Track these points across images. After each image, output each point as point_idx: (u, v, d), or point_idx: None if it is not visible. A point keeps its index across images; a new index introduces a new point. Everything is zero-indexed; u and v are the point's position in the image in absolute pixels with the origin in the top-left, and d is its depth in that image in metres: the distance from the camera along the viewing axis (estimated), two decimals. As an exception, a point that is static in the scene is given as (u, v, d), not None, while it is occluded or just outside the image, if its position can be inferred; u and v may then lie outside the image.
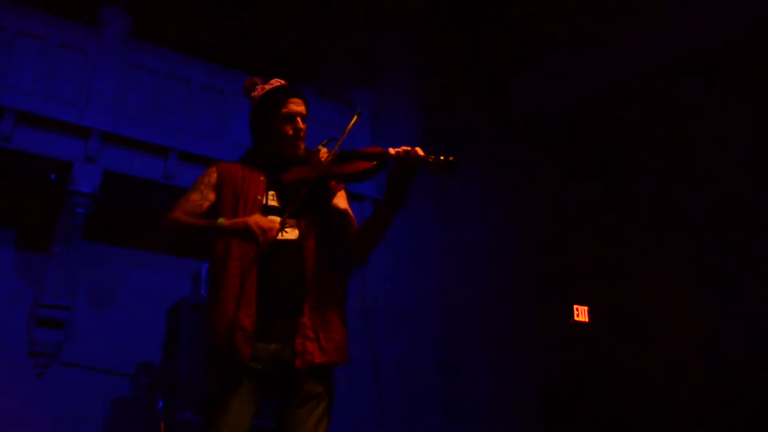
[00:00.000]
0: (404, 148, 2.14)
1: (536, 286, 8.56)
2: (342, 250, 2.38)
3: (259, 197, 2.31)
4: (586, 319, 9.33)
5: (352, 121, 2.35)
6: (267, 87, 2.45)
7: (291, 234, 2.27)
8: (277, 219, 2.17)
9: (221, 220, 2.17)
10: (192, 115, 6.45)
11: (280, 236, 2.21)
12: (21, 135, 5.47)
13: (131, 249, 6.36)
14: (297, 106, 2.38)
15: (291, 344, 2.16)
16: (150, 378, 4.88)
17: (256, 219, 2.12)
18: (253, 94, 2.47)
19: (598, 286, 9.26)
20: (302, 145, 2.40)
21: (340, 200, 2.46)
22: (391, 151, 2.16)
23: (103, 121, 5.83)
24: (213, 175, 2.37)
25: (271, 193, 2.34)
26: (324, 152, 2.33)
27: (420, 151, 2.14)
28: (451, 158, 2.10)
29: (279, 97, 2.39)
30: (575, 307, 9.30)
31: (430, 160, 2.10)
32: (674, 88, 8.26)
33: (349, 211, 2.44)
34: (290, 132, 2.36)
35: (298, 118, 2.38)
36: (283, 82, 2.48)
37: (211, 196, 2.33)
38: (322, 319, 2.22)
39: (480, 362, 7.86)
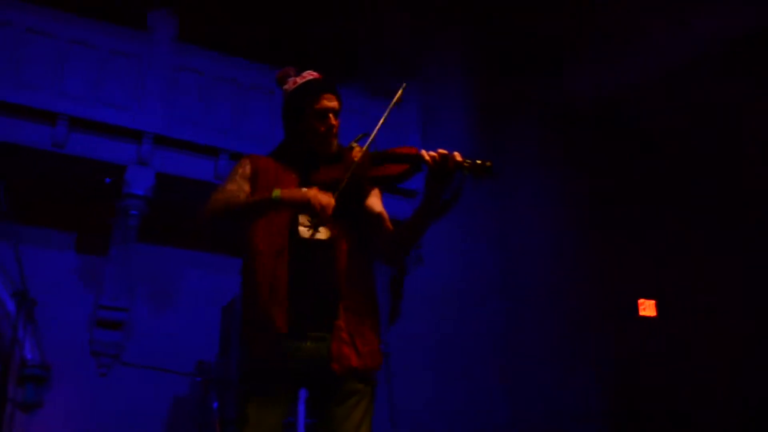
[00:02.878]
0: (440, 151, 2.04)
1: (599, 281, 8.27)
2: (374, 252, 2.31)
3: None
4: (654, 314, 8.97)
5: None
6: (299, 80, 2.35)
7: (323, 234, 2.19)
8: (332, 195, 2.08)
9: (277, 192, 2.07)
10: (241, 114, 6.49)
11: (312, 236, 2.17)
12: (75, 140, 5.63)
13: (185, 249, 6.44)
14: (329, 101, 2.28)
15: (327, 343, 2.11)
16: (204, 376, 4.89)
17: (316, 193, 2.04)
18: (285, 86, 2.38)
19: (666, 279, 8.89)
20: (335, 142, 2.31)
21: (374, 200, 2.35)
22: (425, 154, 2.07)
23: (154, 124, 5.94)
24: (247, 167, 2.30)
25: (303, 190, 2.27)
26: (357, 151, 2.23)
27: (457, 156, 2.03)
28: (488, 163, 2.02)
29: (311, 92, 2.29)
30: (641, 301, 8.95)
31: (466, 165, 2.02)
32: (730, 74, 7.87)
33: (383, 212, 2.33)
34: (322, 129, 2.27)
35: (331, 115, 2.28)
36: (316, 74, 2.37)
37: (247, 188, 2.26)
38: (357, 323, 2.16)
39: (541, 360, 7.65)
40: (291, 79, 2.37)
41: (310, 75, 2.36)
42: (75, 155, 5.64)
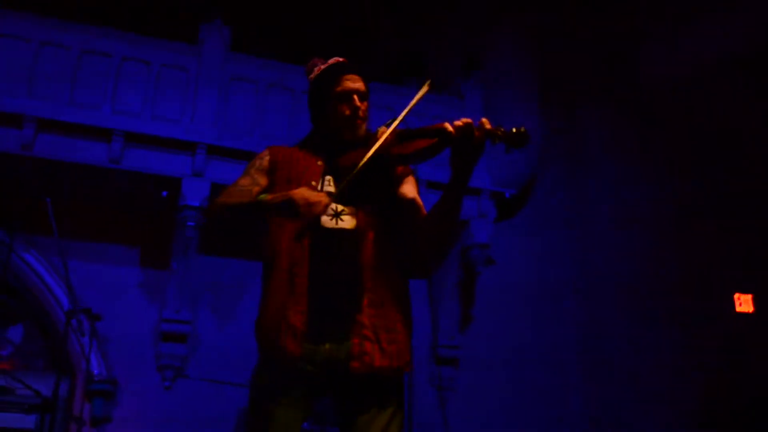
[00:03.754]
0: (466, 120, 1.90)
1: (689, 275, 7.68)
2: (409, 242, 2.15)
3: (314, 183, 2.12)
4: (751, 309, 8.26)
5: (419, 94, 2.04)
6: (323, 66, 2.26)
7: (348, 223, 2.07)
8: (325, 194, 1.96)
9: (263, 196, 2.00)
10: (295, 122, 6.40)
11: (335, 225, 2.04)
12: (130, 155, 5.71)
13: (244, 260, 6.39)
14: (353, 83, 2.16)
15: (347, 345, 1.96)
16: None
17: (302, 191, 1.92)
18: (310, 76, 2.29)
19: (765, 272, 8.16)
20: (362, 126, 2.19)
21: (407, 187, 2.20)
22: (447, 125, 1.91)
23: (207, 135, 5.95)
24: (266, 159, 2.22)
25: (327, 178, 2.15)
26: (383, 131, 2.08)
27: (486, 123, 1.89)
28: (522, 129, 1.87)
29: (332, 75, 2.19)
30: (737, 295, 8.27)
31: (498, 133, 1.88)
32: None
33: (418, 199, 2.18)
34: (347, 112, 2.15)
35: (355, 96, 2.16)
36: (341, 59, 2.27)
37: (263, 181, 2.17)
38: (383, 318, 2.00)
39: (627, 361, 7.21)
40: (317, 68, 2.28)
41: (334, 60, 2.27)
42: (131, 170, 5.72)
